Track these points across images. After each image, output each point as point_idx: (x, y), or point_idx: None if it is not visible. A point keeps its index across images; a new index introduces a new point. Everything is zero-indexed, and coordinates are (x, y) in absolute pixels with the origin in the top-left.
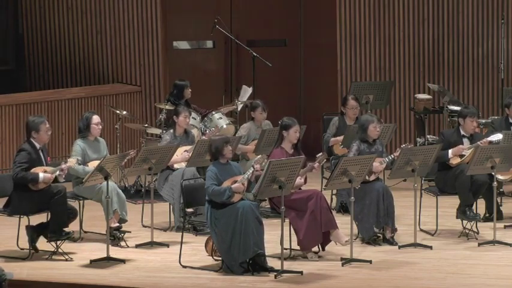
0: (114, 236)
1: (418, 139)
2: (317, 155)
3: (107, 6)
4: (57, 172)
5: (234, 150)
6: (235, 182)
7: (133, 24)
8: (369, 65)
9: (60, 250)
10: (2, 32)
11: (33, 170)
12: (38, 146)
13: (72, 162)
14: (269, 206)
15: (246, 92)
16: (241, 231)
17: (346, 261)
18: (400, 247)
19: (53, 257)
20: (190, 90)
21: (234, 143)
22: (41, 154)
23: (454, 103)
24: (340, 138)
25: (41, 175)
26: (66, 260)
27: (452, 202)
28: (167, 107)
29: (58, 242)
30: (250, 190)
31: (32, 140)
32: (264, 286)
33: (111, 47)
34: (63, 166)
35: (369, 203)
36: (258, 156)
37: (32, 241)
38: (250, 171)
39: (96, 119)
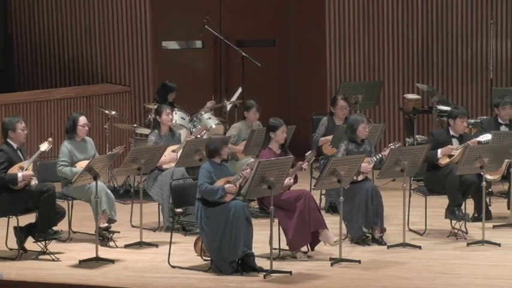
0: (103, 236)
1: (407, 139)
2: (306, 154)
3: (96, 7)
4: (33, 160)
5: None
6: (228, 182)
7: (123, 24)
8: (358, 65)
9: (48, 250)
10: None
11: (10, 171)
12: (15, 145)
13: (44, 146)
14: (258, 206)
15: (236, 92)
16: (232, 231)
17: (335, 261)
18: (389, 247)
19: (42, 257)
20: (175, 95)
21: None
22: (20, 154)
23: (443, 103)
24: (329, 138)
25: (19, 174)
26: (53, 260)
27: (441, 202)
28: (156, 107)
29: (46, 242)
30: (240, 192)
31: (8, 140)
32: (253, 286)
33: (100, 47)
34: (36, 155)
35: (358, 203)
36: (251, 160)
37: (21, 242)
38: (241, 176)
39: (82, 120)
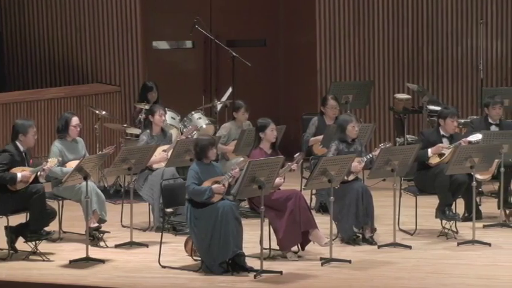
0: (94, 236)
1: (398, 139)
2: (295, 156)
3: (87, 6)
4: (38, 172)
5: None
6: (216, 182)
7: (113, 24)
8: (348, 65)
9: (38, 250)
10: None
11: (12, 171)
12: (22, 148)
13: (53, 162)
14: (248, 206)
15: (226, 92)
16: (221, 231)
17: (325, 261)
18: (379, 247)
19: (33, 257)
20: (154, 94)
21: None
22: (25, 157)
23: (434, 103)
24: (320, 137)
25: (19, 174)
26: (44, 260)
27: (431, 202)
28: (146, 106)
29: (36, 242)
30: (230, 192)
31: (17, 142)
32: (244, 286)
33: (91, 47)
34: (44, 167)
35: (348, 203)
36: (240, 159)
37: (11, 242)
38: (230, 175)
39: (75, 121)
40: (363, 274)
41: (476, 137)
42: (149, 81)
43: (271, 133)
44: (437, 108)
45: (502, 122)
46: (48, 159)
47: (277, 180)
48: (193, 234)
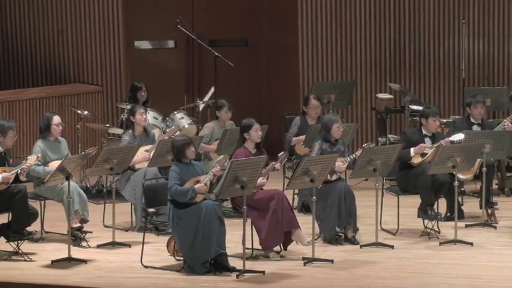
0: (76, 236)
1: (380, 139)
2: (279, 155)
3: (68, 6)
4: (18, 170)
5: (196, 150)
6: (198, 182)
7: (95, 24)
8: (330, 65)
9: (20, 251)
10: None
11: None
12: (1, 149)
13: (32, 159)
14: (231, 205)
15: (209, 91)
16: (204, 231)
17: (308, 260)
18: (361, 246)
19: (15, 257)
20: (143, 93)
21: (196, 142)
22: (4, 156)
23: (416, 103)
24: (302, 137)
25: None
26: (26, 260)
27: (413, 201)
28: (128, 106)
29: (18, 242)
30: (212, 190)
31: None
32: (226, 286)
33: (73, 46)
34: (23, 166)
35: (331, 203)
36: (221, 157)
37: None
38: (211, 174)
39: (56, 119)
40: (345, 274)
41: (459, 136)
42: (138, 81)
43: (255, 134)
44: (420, 108)
45: (484, 121)
46: (28, 157)
47: (261, 180)
48: (176, 234)
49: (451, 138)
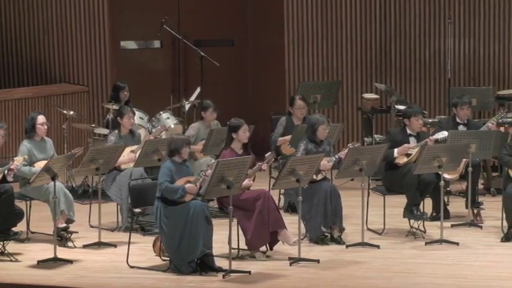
0: (62, 237)
1: (366, 139)
2: (266, 155)
3: (54, 6)
4: (5, 171)
5: None
6: (188, 182)
7: (81, 24)
8: (316, 65)
9: (6, 251)
10: None
11: None
12: None
13: (19, 161)
14: (217, 205)
15: (195, 92)
16: (192, 230)
17: (294, 260)
18: (347, 246)
19: (0, 257)
20: (126, 92)
21: None
22: None
23: (401, 103)
24: (288, 138)
25: None
26: (11, 260)
27: (399, 201)
28: (114, 107)
29: (4, 243)
30: (199, 193)
31: None
32: (212, 286)
33: (58, 46)
34: (11, 166)
35: (317, 203)
36: (212, 161)
37: None
38: (202, 177)
39: (41, 119)
40: (331, 274)
41: (442, 134)
42: (122, 81)
43: (243, 134)
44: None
45: (470, 121)
46: (15, 158)
47: (247, 182)
48: (163, 233)
49: (435, 136)
